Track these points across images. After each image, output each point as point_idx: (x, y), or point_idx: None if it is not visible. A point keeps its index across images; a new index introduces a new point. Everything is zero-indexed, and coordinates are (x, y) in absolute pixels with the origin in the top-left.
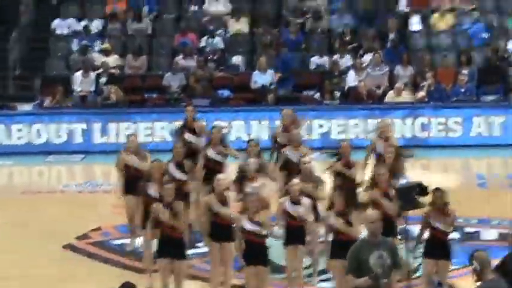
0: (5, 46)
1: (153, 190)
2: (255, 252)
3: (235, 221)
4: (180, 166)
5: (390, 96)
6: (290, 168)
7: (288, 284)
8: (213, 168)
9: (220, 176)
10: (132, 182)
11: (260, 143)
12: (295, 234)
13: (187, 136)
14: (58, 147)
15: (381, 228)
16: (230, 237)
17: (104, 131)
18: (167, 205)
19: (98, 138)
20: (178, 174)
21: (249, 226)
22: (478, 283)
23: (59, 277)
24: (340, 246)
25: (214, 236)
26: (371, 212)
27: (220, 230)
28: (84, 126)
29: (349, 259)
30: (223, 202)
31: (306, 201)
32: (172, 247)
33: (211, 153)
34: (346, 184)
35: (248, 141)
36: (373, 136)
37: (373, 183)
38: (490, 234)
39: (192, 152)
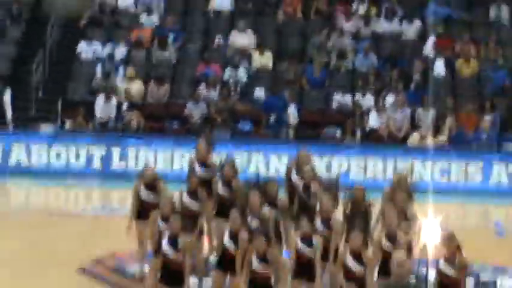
0: (30, 68)
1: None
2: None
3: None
4: (193, 195)
5: (413, 139)
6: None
7: None
8: (225, 203)
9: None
10: (144, 209)
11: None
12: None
13: (198, 169)
14: (77, 171)
15: (409, 272)
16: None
17: (123, 156)
18: (172, 237)
19: (116, 163)
20: (191, 204)
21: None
22: None
23: None
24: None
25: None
26: (400, 256)
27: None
28: (103, 150)
29: None
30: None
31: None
32: (173, 278)
33: (220, 189)
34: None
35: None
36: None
37: None
38: (506, 283)
39: (205, 184)
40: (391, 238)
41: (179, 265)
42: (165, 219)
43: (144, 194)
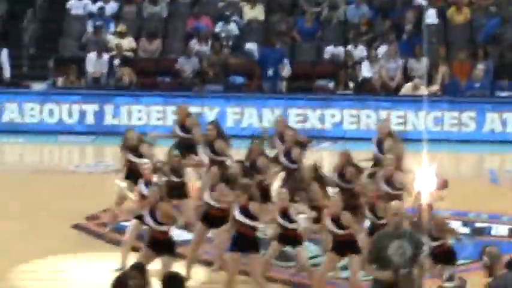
0: (20, 25)
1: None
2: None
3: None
4: (176, 172)
5: (406, 89)
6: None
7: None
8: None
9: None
10: (130, 171)
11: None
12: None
13: (178, 131)
14: (70, 127)
15: (403, 221)
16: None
17: (116, 113)
18: (152, 206)
19: (109, 120)
20: (173, 177)
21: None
22: (489, 278)
23: (67, 256)
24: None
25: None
26: (395, 204)
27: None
28: (96, 107)
29: (369, 248)
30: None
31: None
32: (159, 246)
33: (205, 151)
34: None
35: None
36: None
37: None
38: (500, 230)
39: (186, 147)
40: (389, 182)
41: (164, 235)
42: (147, 184)
43: (129, 155)
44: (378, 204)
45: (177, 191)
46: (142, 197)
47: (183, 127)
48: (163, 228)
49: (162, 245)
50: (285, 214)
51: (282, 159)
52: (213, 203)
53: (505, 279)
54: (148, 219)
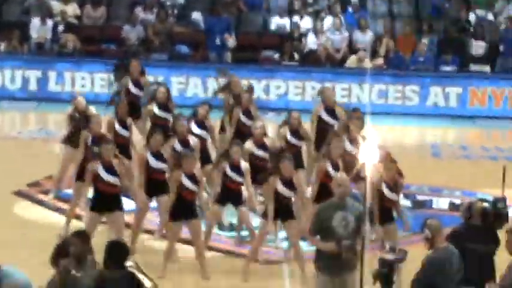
0: None
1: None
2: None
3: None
4: (123, 123)
5: (351, 62)
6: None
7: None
8: (159, 125)
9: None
10: (75, 133)
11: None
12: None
13: (133, 89)
14: (12, 93)
15: (348, 193)
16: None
17: (59, 80)
18: (106, 163)
19: (53, 86)
20: (123, 131)
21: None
22: (430, 251)
23: (8, 223)
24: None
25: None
26: (341, 175)
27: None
28: (39, 73)
29: (313, 219)
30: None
31: (244, 165)
32: (108, 202)
33: (157, 110)
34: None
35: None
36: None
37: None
38: (441, 203)
39: (135, 107)
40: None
41: (115, 189)
42: (96, 142)
43: (76, 120)
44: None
45: (124, 148)
46: (89, 152)
47: (137, 84)
48: (115, 180)
49: (111, 200)
50: (235, 167)
51: (243, 118)
52: (157, 167)
53: (445, 252)
54: (101, 169)
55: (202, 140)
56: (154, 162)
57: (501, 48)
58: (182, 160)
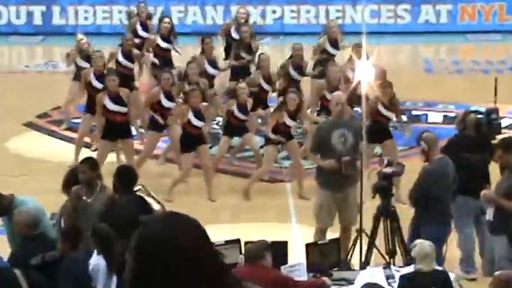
0: None
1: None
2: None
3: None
4: (127, 55)
5: None
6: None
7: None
8: (163, 56)
9: None
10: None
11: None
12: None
13: (138, 29)
14: (18, 28)
15: (345, 111)
16: None
17: (63, 13)
18: (111, 94)
19: (57, 20)
20: (126, 62)
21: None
22: (426, 162)
23: (20, 152)
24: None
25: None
26: (338, 94)
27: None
28: (43, 8)
29: (313, 137)
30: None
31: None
32: (117, 130)
33: (161, 43)
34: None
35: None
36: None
37: None
38: (436, 116)
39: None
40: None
41: (123, 117)
42: (99, 77)
43: (79, 61)
44: None
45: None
46: (93, 88)
47: (144, 26)
48: (121, 109)
49: (120, 128)
50: (242, 107)
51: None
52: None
53: (440, 163)
54: (108, 101)
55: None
56: (165, 102)
57: None
58: (189, 96)
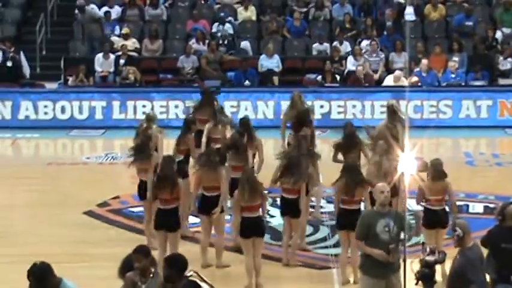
0: (33, 29)
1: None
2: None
3: None
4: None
5: (388, 81)
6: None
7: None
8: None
9: None
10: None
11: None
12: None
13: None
14: (80, 123)
15: (389, 200)
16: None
17: (123, 108)
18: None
19: (116, 115)
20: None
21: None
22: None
23: (80, 240)
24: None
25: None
26: (381, 184)
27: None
28: (104, 103)
29: (358, 226)
30: None
31: None
32: (166, 219)
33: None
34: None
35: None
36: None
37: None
38: (477, 207)
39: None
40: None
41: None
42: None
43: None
44: None
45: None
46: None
47: None
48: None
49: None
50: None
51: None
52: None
53: (475, 249)
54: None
55: None
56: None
57: None
58: None
